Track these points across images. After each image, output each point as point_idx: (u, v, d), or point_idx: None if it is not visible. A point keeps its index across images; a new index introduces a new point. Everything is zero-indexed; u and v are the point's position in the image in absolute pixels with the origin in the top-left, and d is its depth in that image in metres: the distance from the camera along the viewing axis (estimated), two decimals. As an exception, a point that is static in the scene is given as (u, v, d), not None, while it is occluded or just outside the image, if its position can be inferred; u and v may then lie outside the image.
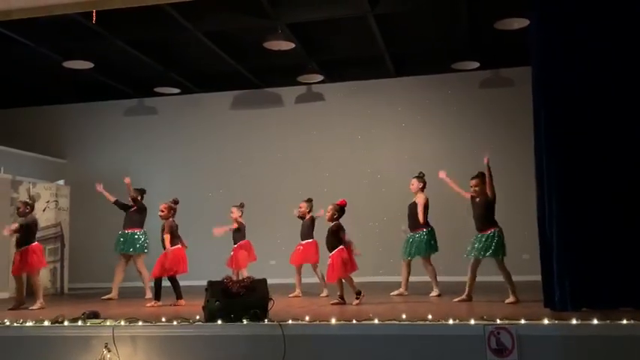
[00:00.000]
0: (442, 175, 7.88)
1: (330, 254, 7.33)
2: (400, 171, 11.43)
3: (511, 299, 6.85)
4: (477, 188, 7.29)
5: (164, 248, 7.94)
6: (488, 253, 7.06)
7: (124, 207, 9.41)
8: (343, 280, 7.37)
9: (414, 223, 8.39)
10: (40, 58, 10.78)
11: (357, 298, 7.20)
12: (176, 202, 8.24)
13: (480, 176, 7.29)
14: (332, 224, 7.41)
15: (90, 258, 12.49)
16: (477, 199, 7.30)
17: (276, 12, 9.16)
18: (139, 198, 9.40)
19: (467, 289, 7.25)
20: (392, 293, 8.36)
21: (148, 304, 7.82)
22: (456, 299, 7.22)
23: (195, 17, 9.29)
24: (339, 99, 12.84)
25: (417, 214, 8.32)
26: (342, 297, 7.35)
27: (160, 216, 8.04)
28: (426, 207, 8.34)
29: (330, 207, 7.47)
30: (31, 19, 7.53)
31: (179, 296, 7.92)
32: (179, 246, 8.04)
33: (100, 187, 9.51)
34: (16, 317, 6.10)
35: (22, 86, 12.74)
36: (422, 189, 8.47)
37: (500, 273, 7.11)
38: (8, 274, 10.44)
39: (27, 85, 12.72)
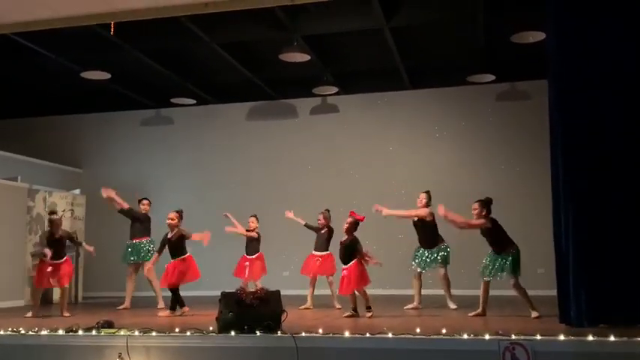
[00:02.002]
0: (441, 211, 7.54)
1: (346, 266, 7.32)
2: (414, 183, 11.40)
3: (535, 314, 6.78)
4: (475, 212, 7.24)
5: (176, 257, 8.06)
6: (499, 274, 7.03)
7: (130, 217, 9.48)
8: (357, 293, 7.36)
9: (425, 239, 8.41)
10: (59, 69, 10.90)
11: (368, 311, 7.19)
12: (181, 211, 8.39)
13: (484, 203, 7.22)
14: (347, 237, 7.41)
15: (104, 267, 12.53)
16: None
17: (293, 24, 9.21)
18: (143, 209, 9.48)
19: (481, 304, 7.19)
20: (406, 307, 8.32)
21: (161, 314, 7.84)
22: (471, 314, 7.17)
23: (211, 29, 9.36)
24: (353, 111, 12.85)
25: (427, 230, 8.32)
26: (355, 309, 7.33)
27: (171, 224, 8.08)
28: (434, 224, 8.38)
29: (350, 220, 7.46)
30: (50, 30, 7.62)
31: (182, 304, 8.00)
32: (189, 254, 8.18)
33: (109, 193, 9.34)
34: (32, 326, 6.13)
35: (39, 96, 12.88)
36: (427, 204, 8.44)
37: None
38: (23, 283, 10.56)
39: (45, 95, 12.85)
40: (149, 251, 9.25)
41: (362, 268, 7.29)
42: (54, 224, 8.32)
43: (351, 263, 7.28)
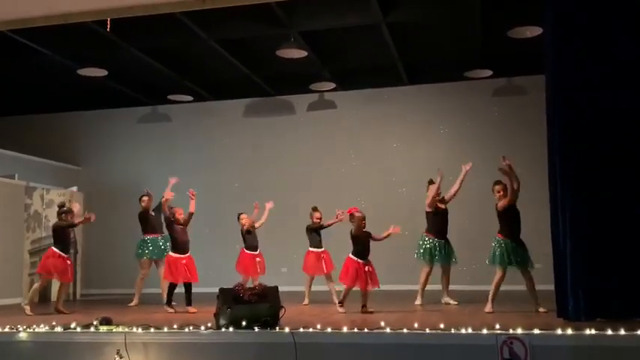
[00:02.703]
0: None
1: (367, 261, 7.37)
2: (412, 179, 11.41)
3: (542, 309, 6.79)
4: (499, 195, 7.16)
5: (188, 252, 8.07)
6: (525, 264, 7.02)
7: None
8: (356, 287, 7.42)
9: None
10: (55, 66, 10.88)
11: (364, 308, 7.25)
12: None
13: (506, 185, 7.16)
14: (365, 231, 7.43)
15: (103, 264, 12.56)
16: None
17: (290, 20, 9.19)
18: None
19: (492, 300, 7.07)
20: (417, 302, 8.28)
21: (192, 310, 7.79)
22: (487, 309, 7.02)
23: (208, 25, 9.34)
24: (351, 107, 12.85)
25: (446, 218, 8.40)
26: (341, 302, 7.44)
27: (180, 219, 8.08)
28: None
29: (362, 215, 7.46)
30: (47, 27, 7.61)
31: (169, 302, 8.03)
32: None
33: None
34: (29, 323, 6.13)
35: (36, 93, 12.85)
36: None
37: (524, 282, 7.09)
38: (21, 280, 10.57)
39: (42, 92, 12.83)
40: (166, 249, 9.17)
41: None
42: (69, 215, 8.20)
43: (370, 259, 7.37)
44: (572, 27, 6.08)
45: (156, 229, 9.30)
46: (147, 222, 9.34)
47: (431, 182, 8.51)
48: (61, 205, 8.44)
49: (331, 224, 8.57)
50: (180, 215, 8.10)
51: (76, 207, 8.88)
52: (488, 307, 7.00)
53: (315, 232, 8.82)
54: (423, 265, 8.40)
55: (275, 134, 13.06)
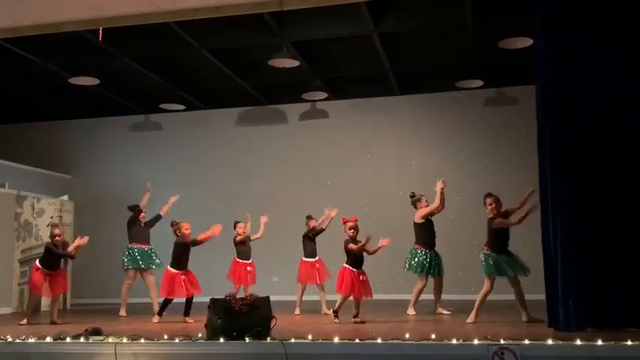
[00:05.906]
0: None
1: (362, 271, 7.33)
2: (403, 189, 11.41)
3: (534, 318, 6.80)
4: (490, 207, 7.10)
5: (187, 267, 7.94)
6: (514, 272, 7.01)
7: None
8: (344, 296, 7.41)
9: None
10: (47, 75, 10.87)
11: (356, 317, 7.24)
12: None
13: (498, 198, 7.12)
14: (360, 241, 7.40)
15: (93, 274, 12.49)
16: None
17: (282, 30, 9.22)
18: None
19: (476, 311, 7.05)
20: (409, 312, 8.24)
21: (189, 320, 7.71)
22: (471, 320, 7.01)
23: (201, 35, 9.36)
24: (343, 116, 12.88)
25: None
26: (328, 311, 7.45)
27: (188, 233, 7.92)
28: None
29: (355, 224, 7.44)
30: (38, 35, 7.60)
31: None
32: None
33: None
34: (19, 333, 6.09)
35: (27, 102, 12.82)
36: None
37: (513, 292, 7.07)
38: (11, 291, 10.50)
39: (33, 101, 12.79)
40: (156, 259, 9.11)
41: None
42: (58, 235, 8.13)
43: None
44: (562, 38, 6.12)
45: (143, 240, 9.20)
46: (137, 231, 9.25)
47: (413, 196, 8.51)
48: (54, 225, 8.45)
49: (327, 223, 8.81)
50: (187, 230, 7.89)
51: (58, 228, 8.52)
52: (471, 318, 6.98)
53: (310, 240, 8.81)
54: (417, 277, 8.35)
55: (267, 143, 13.07)
